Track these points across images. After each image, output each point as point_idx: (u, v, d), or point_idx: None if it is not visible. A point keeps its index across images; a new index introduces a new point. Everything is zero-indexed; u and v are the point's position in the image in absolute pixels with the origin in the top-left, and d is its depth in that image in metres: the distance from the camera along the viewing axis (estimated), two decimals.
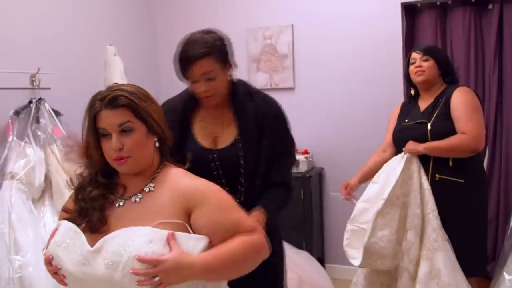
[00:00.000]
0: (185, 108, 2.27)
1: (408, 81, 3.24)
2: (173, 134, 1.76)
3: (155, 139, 1.64)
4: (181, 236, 1.49)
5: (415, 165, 2.92)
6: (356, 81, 4.29)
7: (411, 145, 2.96)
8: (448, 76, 3.12)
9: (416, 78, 3.10)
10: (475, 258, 2.98)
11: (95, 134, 1.61)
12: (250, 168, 2.16)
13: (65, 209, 1.73)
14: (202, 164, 2.02)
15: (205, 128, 2.25)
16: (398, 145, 3.13)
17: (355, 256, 3.01)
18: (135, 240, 1.44)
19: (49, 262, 1.59)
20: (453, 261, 2.85)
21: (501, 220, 3.91)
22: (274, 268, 2.29)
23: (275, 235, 2.26)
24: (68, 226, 1.59)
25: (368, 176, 3.24)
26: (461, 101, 2.94)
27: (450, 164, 2.92)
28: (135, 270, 1.40)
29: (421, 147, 2.92)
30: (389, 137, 3.25)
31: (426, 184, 2.90)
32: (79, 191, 1.66)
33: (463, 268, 2.89)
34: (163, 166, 1.67)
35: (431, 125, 2.95)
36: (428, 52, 3.09)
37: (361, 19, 4.25)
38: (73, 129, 3.33)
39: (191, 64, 2.09)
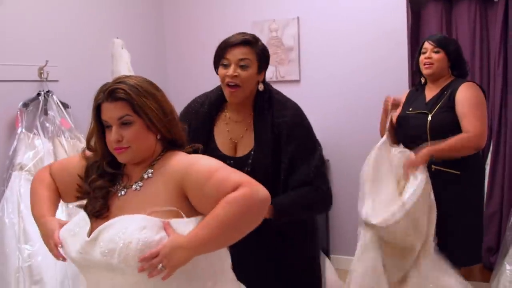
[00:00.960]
0: (211, 107, 2.28)
1: (418, 70, 3.24)
2: (195, 138, 1.82)
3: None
4: (172, 222, 1.52)
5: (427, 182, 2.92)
6: (361, 73, 4.30)
7: (418, 158, 2.91)
8: (457, 70, 3.12)
9: (424, 70, 3.13)
10: (469, 249, 3.01)
11: (99, 124, 1.65)
12: (261, 178, 2.11)
13: (63, 165, 1.84)
14: None
15: (227, 132, 2.26)
16: (400, 132, 3.15)
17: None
18: (128, 227, 1.48)
19: (57, 246, 1.62)
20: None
21: (505, 212, 3.93)
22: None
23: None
24: (82, 216, 1.64)
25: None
26: (466, 97, 2.96)
27: None
28: (140, 268, 1.45)
29: (425, 155, 2.89)
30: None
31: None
32: (88, 170, 1.71)
33: (457, 259, 2.94)
34: (163, 153, 1.68)
35: (431, 117, 2.99)
36: (440, 44, 3.09)
37: (367, 12, 4.25)
38: (80, 121, 3.39)
39: (231, 46, 2.16)
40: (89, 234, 1.56)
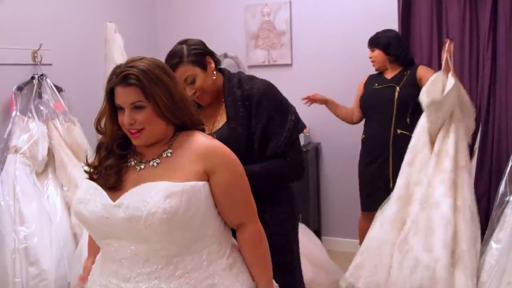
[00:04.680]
0: None
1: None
2: None
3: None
4: (192, 185, 1.62)
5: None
6: (352, 57, 4.34)
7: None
8: (396, 54, 3.61)
9: (374, 67, 3.68)
10: None
11: (112, 105, 1.69)
12: (240, 148, 2.16)
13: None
14: None
15: (210, 121, 2.33)
16: (369, 108, 3.61)
17: None
18: (153, 196, 1.55)
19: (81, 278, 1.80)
20: None
21: (493, 194, 3.99)
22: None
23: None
24: (88, 184, 1.70)
25: (335, 105, 3.86)
26: (430, 71, 3.49)
27: (408, 120, 3.50)
28: None
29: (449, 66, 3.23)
30: (355, 103, 3.82)
31: None
32: (98, 148, 1.77)
33: None
34: (177, 134, 1.74)
35: (400, 89, 3.47)
36: (371, 43, 3.69)
37: None
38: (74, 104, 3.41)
39: (173, 70, 2.18)
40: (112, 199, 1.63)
